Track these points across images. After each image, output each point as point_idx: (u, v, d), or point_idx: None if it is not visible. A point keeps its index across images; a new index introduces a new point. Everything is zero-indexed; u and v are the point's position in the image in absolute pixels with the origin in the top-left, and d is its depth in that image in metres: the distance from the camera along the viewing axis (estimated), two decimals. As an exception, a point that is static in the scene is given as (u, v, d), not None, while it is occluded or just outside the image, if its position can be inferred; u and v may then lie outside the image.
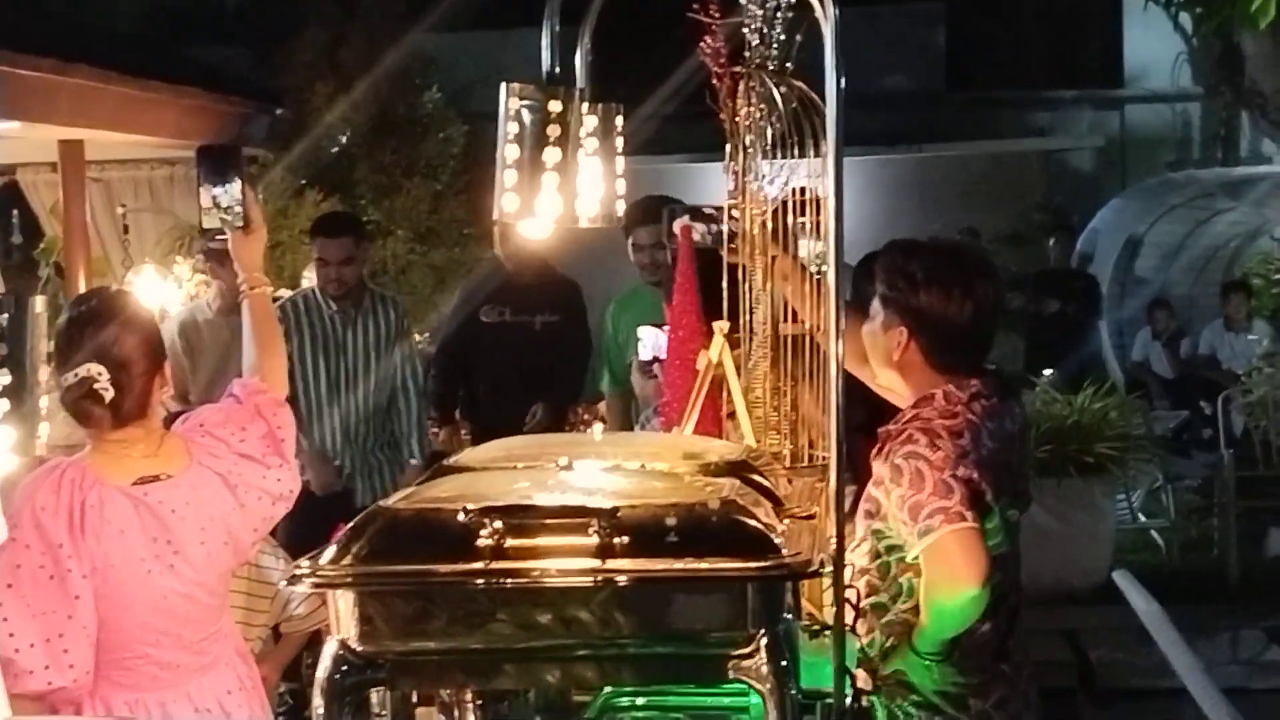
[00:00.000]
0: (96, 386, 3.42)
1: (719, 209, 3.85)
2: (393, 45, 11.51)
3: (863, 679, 3.35)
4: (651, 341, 4.99)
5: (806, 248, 3.72)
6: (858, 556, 3.54)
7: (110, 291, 3.83)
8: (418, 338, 7.99)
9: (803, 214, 3.68)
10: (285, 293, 7.36)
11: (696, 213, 3.93)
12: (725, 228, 3.81)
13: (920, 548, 3.39)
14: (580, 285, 7.72)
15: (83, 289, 9.26)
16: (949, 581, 3.37)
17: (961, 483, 3.38)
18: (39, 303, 2.34)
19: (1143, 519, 9.80)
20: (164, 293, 8.93)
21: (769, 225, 3.74)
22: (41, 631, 3.30)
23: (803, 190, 3.66)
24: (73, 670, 3.32)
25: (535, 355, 7.32)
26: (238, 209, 3.71)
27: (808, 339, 3.63)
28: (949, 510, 3.35)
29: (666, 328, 4.79)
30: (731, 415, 3.75)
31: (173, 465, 3.54)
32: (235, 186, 3.71)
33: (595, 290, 12.05)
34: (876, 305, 3.65)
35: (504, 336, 7.41)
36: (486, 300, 7.53)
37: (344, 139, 11.33)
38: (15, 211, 11.10)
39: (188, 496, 3.52)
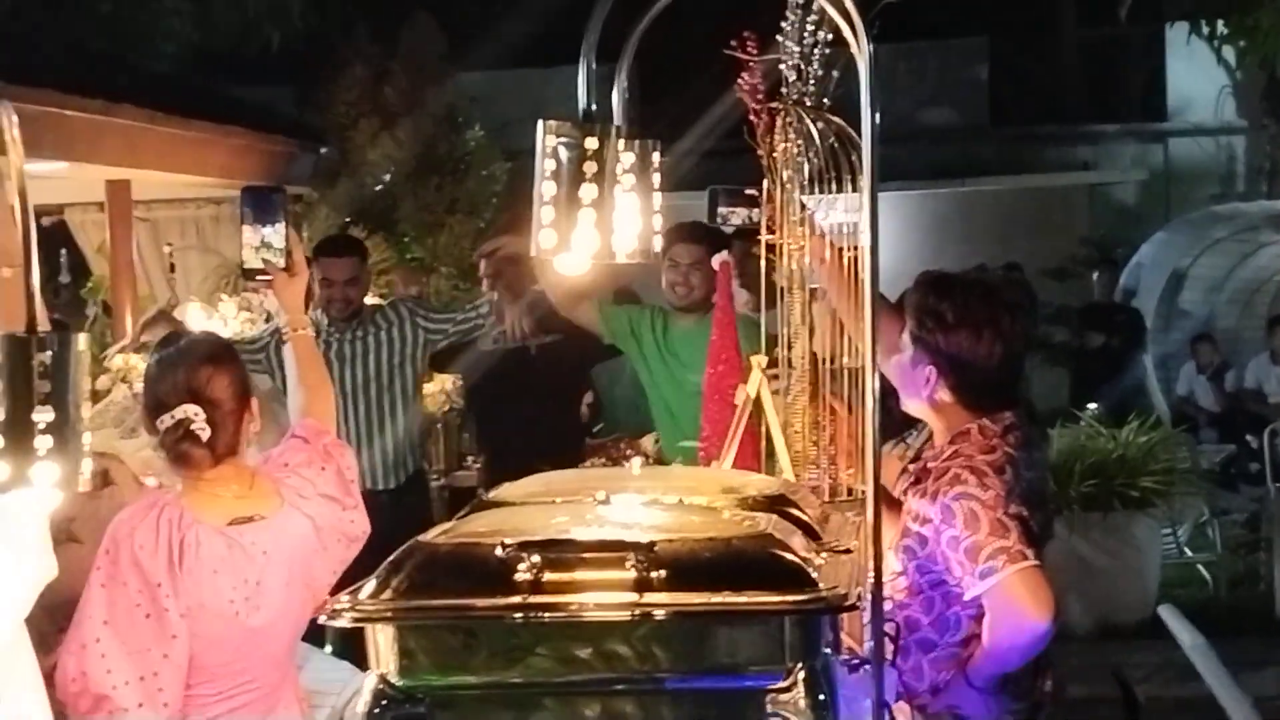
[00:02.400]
0: (194, 428, 3.44)
1: (762, 192, 3.86)
2: (435, 84, 11.58)
3: (905, 713, 3.34)
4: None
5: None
6: (891, 590, 3.54)
7: (195, 332, 3.85)
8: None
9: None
10: None
11: (739, 195, 3.93)
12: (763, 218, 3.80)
13: (983, 588, 3.39)
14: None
15: (129, 327, 9.34)
16: (1016, 620, 3.38)
17: (1015, 520, 3.39)
18: (82, 340, 2.35)
19: (1189, 553, 9.73)
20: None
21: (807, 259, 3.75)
22: (137, 669, 3.33)
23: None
24: (166, 709, 3.35)
25: (535, 379, 7.32)
26: (281, 250, 3.72)
27: (845, 373, 3.64)
28: (1010, 550, 3.36)
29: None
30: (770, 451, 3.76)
31: (265, 506, 3.56)
32: (279, 228, 3.72)
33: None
34: (906, 339, 3.65)
35: (503, 363, 7.43)
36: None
37: (387, 177, 11.39)
38: (64, 251, 11.21)
39: (278, 538, 3.54)
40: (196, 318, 8.96)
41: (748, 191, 3.95)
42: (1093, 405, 10.09)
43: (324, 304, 6.77)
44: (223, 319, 9.28)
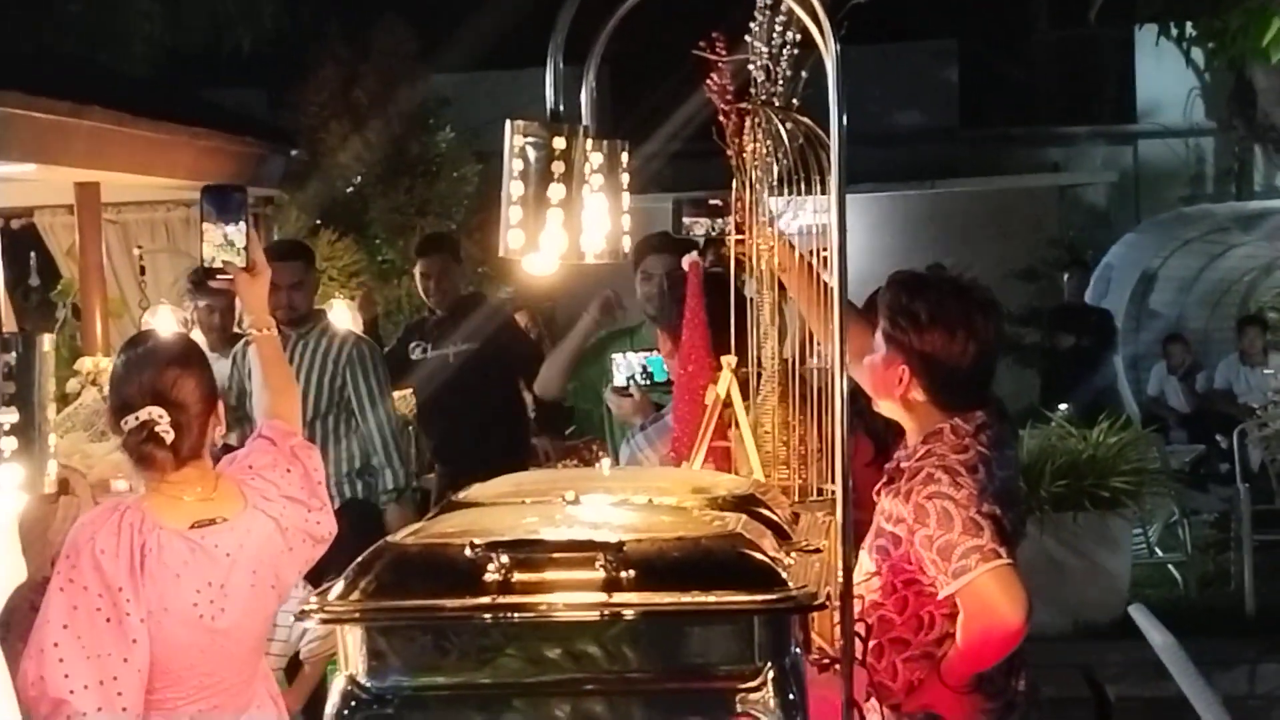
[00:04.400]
0: (158, 429, 3.42)
1: (726, 202, 3.86)
2: (406, 85, 11.58)
3: (877, 713, 3.34)
4: (624, 365, 5.09)
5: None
6: (864, 590, 3.54)
7: (164, 334, 3.83)
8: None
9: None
10: None
11: (702, 205, 3.94)
12: (731, 220, 3.82)
13: (956, 587, 3.39)
14: (512, 314, 7.86)
15: (99, 330, 9.31)
16: (991, 619, 3.38)
17: (988, 519, 3.39)
18: (46, 341, 2.34)
19: (1159, 553, 9.77)
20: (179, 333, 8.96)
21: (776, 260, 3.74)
22: (96, 674, 3.30)
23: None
24: (125, 714, 3.33)
25: (454, 387, 7.37)
26: (241, 249, 3.70)
27: (815, 374, 3.64)
28: (983, 549, 3.36)
29: (644, 353, 4.84)
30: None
31: (228, 508, 3.54)
32: (240, 227, 3.70)
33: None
34: (879, 339, 3.65)
35: (428, 371, 7.49)
36: (412, 337, 7.69)
37: (358, 179, 11.37)
38: (33, 253, 11.15)
39: (241, 539, 3.52)
40: (166, 320, 8.93)
41: (711, 201, 3.96)
42: (1063, 406, 10.13)
43: (270, 309, 6.74)
44: (193, 321, 9.25)
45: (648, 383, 5.24)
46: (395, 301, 11.08)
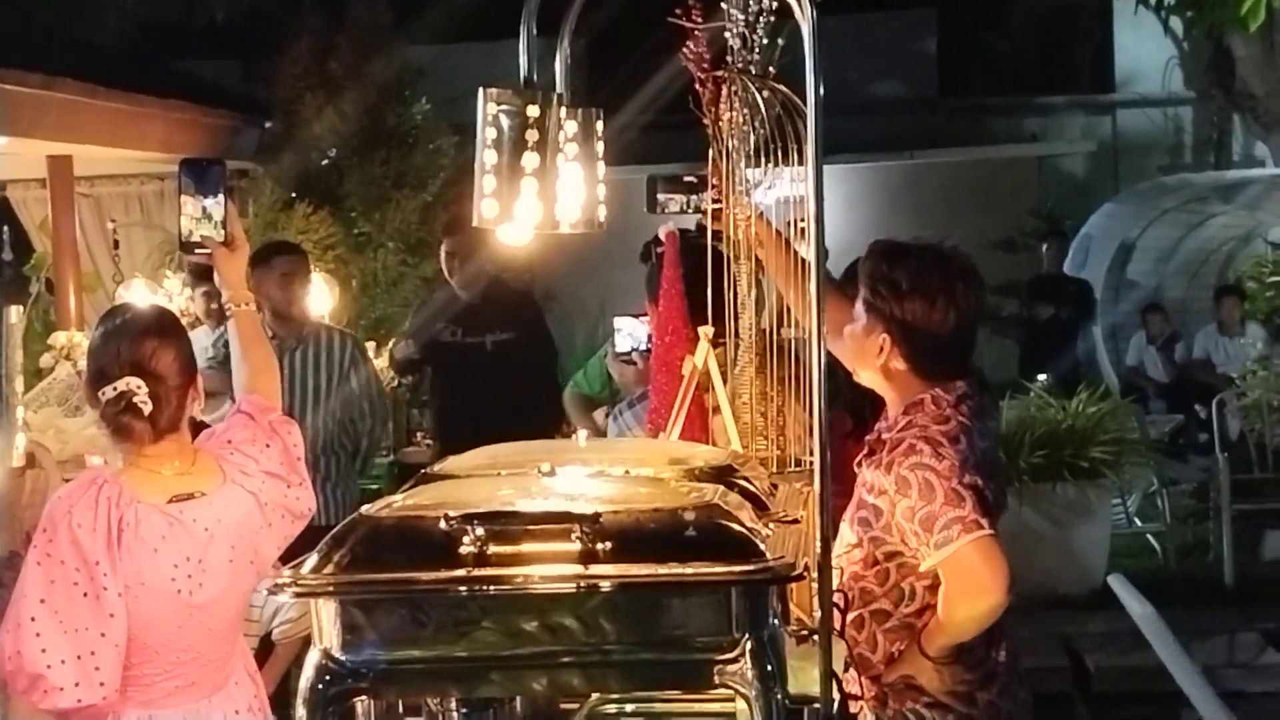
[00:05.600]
0: (135, 400, 3.39)
1: (700, 178, 3.84)
2: (381, 57, 11.50)
3: (856, 684, 3.33)
4: (629, 330, 5.04)
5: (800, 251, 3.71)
6: (845, 562, 3.53)
7: (142, 305, 3.79)
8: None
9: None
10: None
11: (676, 181, 3.91)
12: (707, 198, 3.79)
13: (938, 558, 3.38)
14: (540, 298, 7.79)
15: (73, 305, 9.26)
16: (972, 590, 3.38)
17: (970, 490, 3.38)
18: (14, 313, 2.31)
19: (1138, 523, 9.78)
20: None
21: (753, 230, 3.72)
22: (73, 648, 3.28)
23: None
24: (103, 688, 3.31)
25: (492, 375, 7.31)
26: (220, 223, 3.65)
27: (793, 344, 3.62)
28: (965, 519, 3.35)
29: (644, 318, 4.83)
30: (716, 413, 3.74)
31: (207, 483, 3.51)
32: (219, 200, 3.65)
33: (588, 300, 12.03)
34: (859, 308, 3.63)
35: (460, 357, 7.42)
36: (441, 321, 7.59)
37: (333, 151, 11.31)
38: (5, 228, 11.10)
39: (220, 514, 3.49)
40: (140, 293, 8.90)
41: (686, 178, 3.93)
42: (1042, 376, 10.13)
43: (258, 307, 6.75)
44: (167, 295, 9.22)
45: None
46: (371, 275, 11.02)
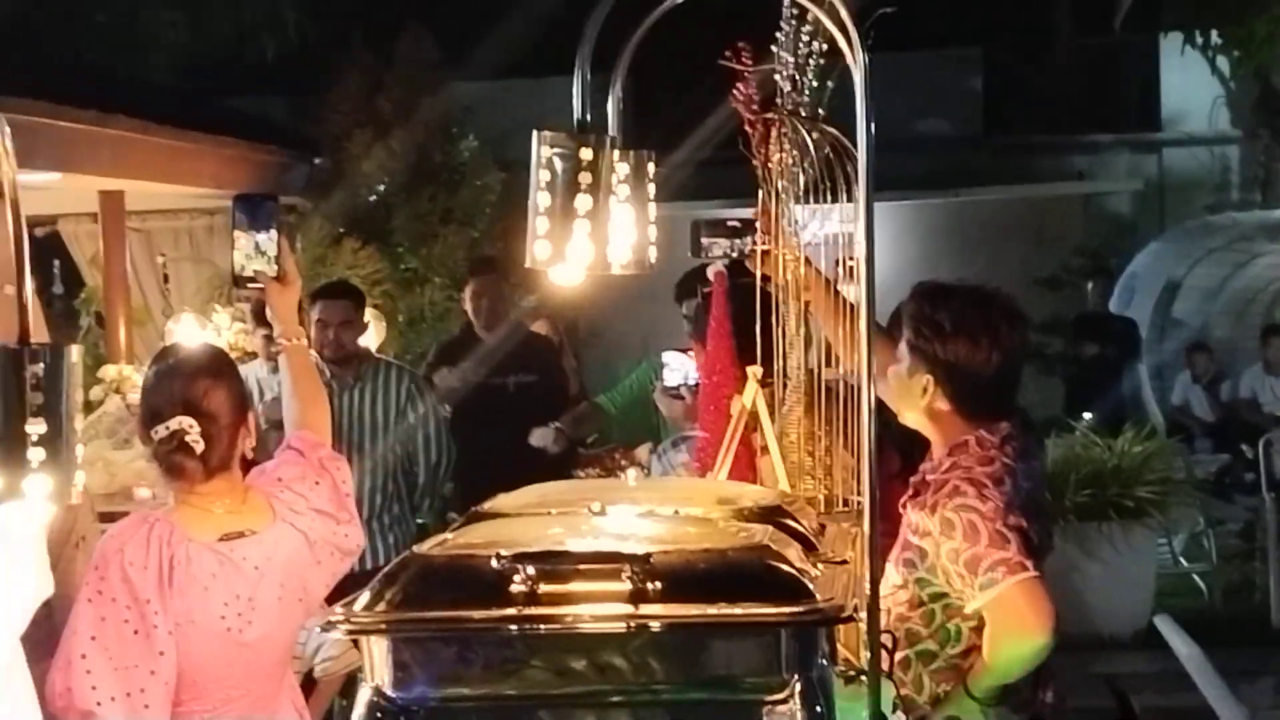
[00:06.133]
0: (188, 439, 3.42)
1: (746, 222, 3.86)
2: (429, 94, 11.58)
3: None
4: (677, 365, 5.05)
5: (846, 293, 3.72)
6: (891, 603, 3.53)
7: (195, 345, 3.83)
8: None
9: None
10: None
11: (720, 225, 3.93)
12: (754, 240, 3.81)
13: (983, 600, 3.39)
14: (583, 335, 7.85)
15: (123, 338, 9.34)
16: (1017, 632, 3.39)
17: (1015, 531, 3.39)
18: (74, 352, 2.34)
19: (1184, 563, 9.74)
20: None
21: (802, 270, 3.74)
22: (123, 685, 3.30)
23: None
24: None
25: (511, 417, 7.35)
26: (273, 258, 3.67)
27: (842, 384, 3.63)
28: (1010, 561, 3.36)
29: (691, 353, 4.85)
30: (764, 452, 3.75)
31: (257, 521, 3.54)
32: (271, 235, 3.67)
33: (630, 336, 12.05)
34: (903, 349, 3.64)
35: (482, 395, 7.47)
36: (464, 360, 7.66)
37: (381, 187, 11.38)
38: (56, 262, 11.20)
39: (270, 552, 3.52)
40: (190, 328, 8.96)
41: (729, 222, 3.95)
42: (1087, 415, 10.10)
43: (318, 346, 6.84)
44: (216, 330, 9.28)
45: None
46: (418, 310, 11.07)
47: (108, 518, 4.04)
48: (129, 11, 14.06)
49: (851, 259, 3.63)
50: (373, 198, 11.40)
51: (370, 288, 10.22)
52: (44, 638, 3.37)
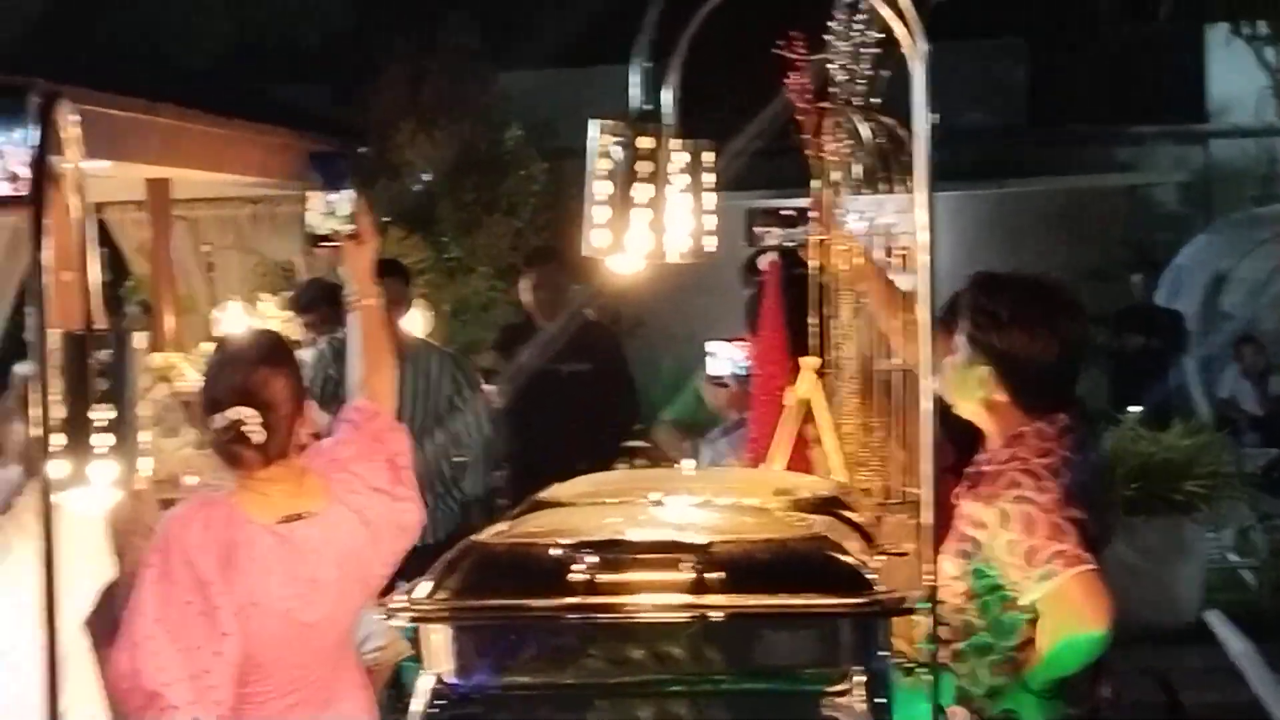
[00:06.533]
0: (245, 430, 3.42)
1: (800, 211, 3.84)
2: (473, 83, 11.58)
3: (962, 716, 3.32)
4: (723, 354, 5.04)
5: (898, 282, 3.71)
6: (946, 594, 3.51)
7: (255, 333, 3.82)
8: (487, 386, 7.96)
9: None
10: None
11: (774, 215, 3.92)
12: (806, 230, 3.80)
13: (1041, 592, 3.37)
14: (630, 325, 7.83)
15: (169, 326, 9.38)
16: (1074, 624, 3.36)
17: (1072, 523, 3.36)
18: (138, 338, 2.35)
19: (1233, 558, 9.67)
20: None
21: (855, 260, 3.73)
22: (188, 667, 3.32)
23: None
24: (218, 706, 3.34)
25: (564, 404, 7.35)
26: (348, 216, 3.61)
27: (897, 376, 3.61)
28: (1067, 554, 3.33)
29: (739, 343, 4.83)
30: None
31: (314, 503, 3.54)
32: (347, 194, 3.61)
33: (677, 327, 12.00)
34: (960, 340, 3.61)
35: (537, 381, 7.47)
36: (517, 345, 7.67)
37: (426, 177, 11.39)
38: (103, 250, 11.25)
39: (328, 534, 3.52)
40: (238, 317, 8.99)
41: (783, 211, 3.94)
42: (1132, 408, 10.04)
43: None
44: (262, 319, 9.31)
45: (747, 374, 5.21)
46: (462, 299, 11.08)
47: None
48: (176, 0, 14.12)
49: (903, 249, 3.62)
50: (417, 187, 11.41)
51: (415, 277, 10.24)
52: (107, 622, 3.39)
